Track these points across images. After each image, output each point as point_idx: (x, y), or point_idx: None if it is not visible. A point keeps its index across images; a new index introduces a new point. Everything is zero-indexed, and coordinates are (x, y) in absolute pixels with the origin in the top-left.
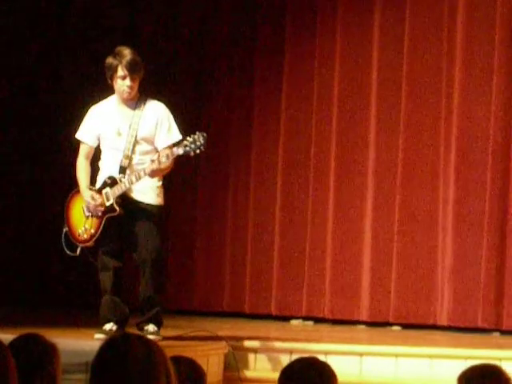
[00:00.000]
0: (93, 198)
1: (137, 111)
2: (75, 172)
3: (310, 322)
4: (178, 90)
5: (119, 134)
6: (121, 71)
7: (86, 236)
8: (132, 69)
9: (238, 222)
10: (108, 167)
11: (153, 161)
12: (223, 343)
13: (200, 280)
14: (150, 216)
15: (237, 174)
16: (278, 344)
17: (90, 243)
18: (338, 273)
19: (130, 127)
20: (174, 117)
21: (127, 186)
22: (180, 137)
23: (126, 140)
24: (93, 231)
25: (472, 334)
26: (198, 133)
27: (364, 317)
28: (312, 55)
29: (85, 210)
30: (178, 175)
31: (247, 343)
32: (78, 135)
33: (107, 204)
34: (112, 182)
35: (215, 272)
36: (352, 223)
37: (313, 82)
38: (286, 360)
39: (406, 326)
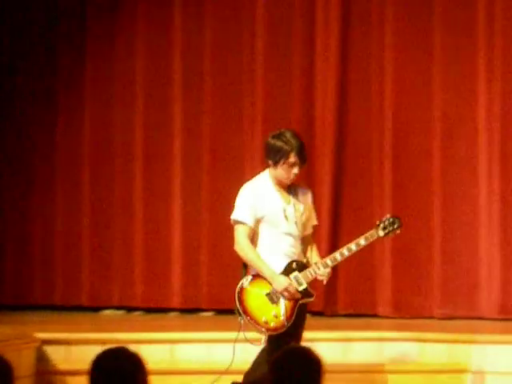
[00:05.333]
0: (290, 284)
1: (292, 194)
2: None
3: (123, 312)
4: None
5: (287, 218)
6: (292, 158)
7: (274, 324)
8: (303, 158)
9: (46, 213)
10: (283, 252)
11: (357, 244)
12: (35, 337)
13: (9, 272)
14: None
15: (43, 172)
16: (90, 335)
17: (281, 330)
18: (148, 261)
19: (294, 211)
20: None
21: (322, 270)
22: (316, 222)
23: (295, 224)
24: (284, 318)
25: None
26: (390, 216)
27: (176, 304)
28: (113, 59)
29: (272, 296)
30: None
31: (59, 335)
32: (238, 217)
33: (300, 289)
34: (299, 267)
35: (25, 263)
36: (160, 211)
37: (114, 80)
38: (98, 351)
39: (219, 312)
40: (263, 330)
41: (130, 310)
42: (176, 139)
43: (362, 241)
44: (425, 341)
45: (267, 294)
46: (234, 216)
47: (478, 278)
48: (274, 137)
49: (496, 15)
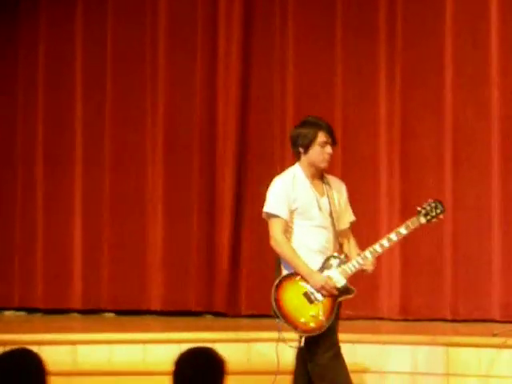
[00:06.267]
0: (327, 281)
1: (325, 185)
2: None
3: (23, 313)
4: None
5: (321, 210)
6: (322, 137)
7: (313, 324)
8: (333, 135)
9: None
10: (317, 246)
11: (397, 233)
12: None
13: None
14: None
15: None
16: None
17: (321, 330)
18: (49, 261)
19: (328, 203)
20: None
21: (361, 263)
22: (354, 218)
23: (329, 216)
24: (323, 318)
25: (185, 318)
26: (432, 201)
27: (77, 305)
28: (15, 59)
29: (310, 295)
30: None
31: None
32: (272, 209)
33: (339, 286)
34: (338, 262)
35: None
36: (61, 212)
37: (17, 77)
38: None
39: (120, 313)
40: (303, 331)
41: (30, 311)
42: (77, 140)
43: (402, 229)
44: None
45: (304, 294)
46: (267, 209)
47: (379, 280)
48: (297, 126)
49: (397, 16)
